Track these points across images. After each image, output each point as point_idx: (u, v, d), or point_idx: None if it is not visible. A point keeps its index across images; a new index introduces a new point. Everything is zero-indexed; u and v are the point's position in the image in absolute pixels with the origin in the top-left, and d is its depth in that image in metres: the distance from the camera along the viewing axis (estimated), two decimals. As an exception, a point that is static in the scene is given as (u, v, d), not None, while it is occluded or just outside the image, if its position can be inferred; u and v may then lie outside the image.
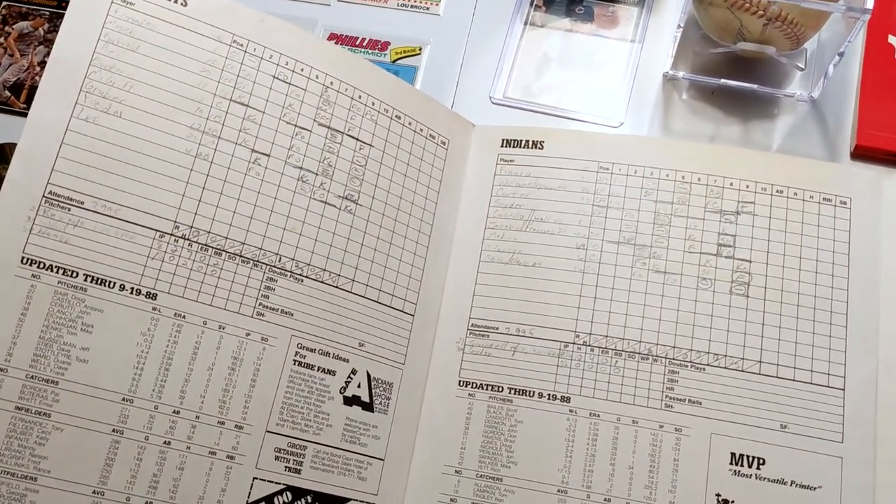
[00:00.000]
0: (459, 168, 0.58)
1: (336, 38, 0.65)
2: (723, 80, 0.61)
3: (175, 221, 0.47)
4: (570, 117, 0.62)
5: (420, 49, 0.64)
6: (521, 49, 0.65)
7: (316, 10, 0.66)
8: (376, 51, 0.65)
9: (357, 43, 0.65)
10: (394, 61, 0.64)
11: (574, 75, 0.64)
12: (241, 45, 0.50)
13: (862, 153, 0.59)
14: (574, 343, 0.54)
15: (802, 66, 0.61)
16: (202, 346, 0.47)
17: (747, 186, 0.55)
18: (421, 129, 0.56)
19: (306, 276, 0.50)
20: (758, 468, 0.50)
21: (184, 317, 0.47)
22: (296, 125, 0.51)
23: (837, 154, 0.60)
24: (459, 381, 0.54)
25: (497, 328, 0.55)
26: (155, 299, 0.46)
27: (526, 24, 0.66)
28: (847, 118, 0.61)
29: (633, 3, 0.66)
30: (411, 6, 0.66)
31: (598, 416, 0.52)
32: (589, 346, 0.53)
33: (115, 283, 0.45)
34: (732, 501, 0.49)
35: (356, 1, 0.67)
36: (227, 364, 0.47)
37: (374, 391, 0.51)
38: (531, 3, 0.66)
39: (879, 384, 0.51)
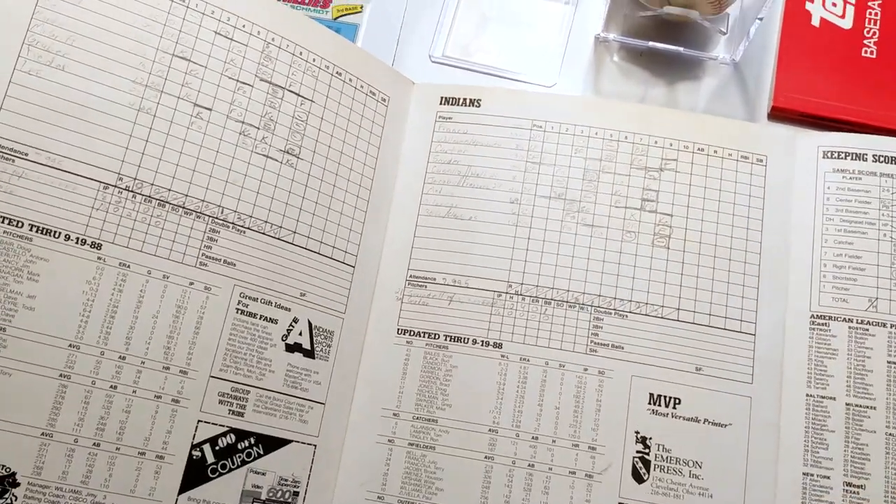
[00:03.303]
0: (399, 124, 0.60)
1: (277, -6, 0.66)
2: (651, 43, 0.63)
3: (119, 173, 0.48)
4: (506, 76, 0.64)
5: (361, 7, 0.65)
6: (461, 9, 0.66)
7: None
8: (318, 7, 0.65)
9: (298, 0, 0.66)
10: (335, 18, 0.65)
11: (511, 35, 0.66)
12: (183, 1, 0.51)
13: (778, 114, 0.62)
14: (507, 293, 0.56)
15: (725, 31, 0.64)
16: (147, 295, 0.48)
17: (671, 144, 0.58)
18: (361, 86, 0.58)
19: (248, 228, 0.51)
20: (674, 407, 0.53)
21: (128, 266, 0.48)
22: (237, 80, 0.52)
23: (756, 114, 0.63)
24: (398, 330, 0.56)
25: (434, 279, 0.57)
26: (100, 249, 0.47)
27: None
28: (766, 80, 0.63)
29: None
30: None
31: (528, 360, 0.55)
32: (520, 295, 0.56)
33: (60, 233, 0.47)
34: (650, 438, 0.53)
35: (299, -43, 0.68)
36: (172, 312, 0.49)
37: (315, 339, 0.53)
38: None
39: (786, 329, 0.55)
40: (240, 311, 0.51)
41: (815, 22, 0.64)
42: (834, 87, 0.62)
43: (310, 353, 0.53)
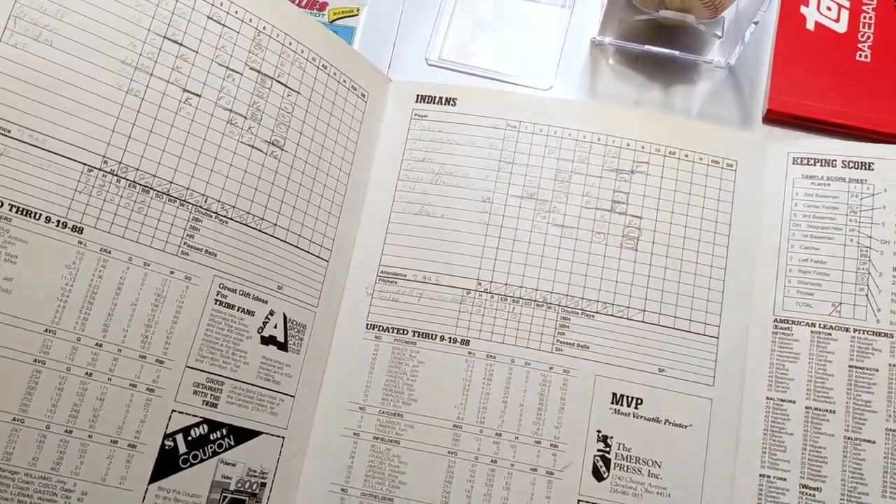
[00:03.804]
0: (376, 120, 0.60)
1: (274, -5, 0.65)
2: (646, 47, 0.64)
3: (104, 156, 0.47)
4: (502, 80, 0.65)
5: (358, 10, 0.65)
6: (457, 12, 0.67)
7: None
8: (315, 10, 0.65)
9: (296, 2, 0.65)
10: (332, 21, 0.65)
11: (507, 39, 0.66)
12: (178, -18, 0.50)
13: (773, 117, 0.63)
14: (476, 290, 0.58)
15: (720, 35, 0.65)
16: (126, 282, 0.48)
17: (643, 147, 0.60)
18: (344, 80, 0.58)
19: (231, 219, 0.51)
20: (636, 407, 0.56)
21: (109, 252, 0.47)
22: (228, 67, 0.51)
23: (751, 118, 0.64)
24: (367, 325, 0.57)
25: (405, 275, 0.58)
26: (81, 233, 0.46)
27: None
28: (761, 84, 0.64)
29: None
30: None
31: (494, 357, 0.56)
32: (489, 293, 0.58)
33: (40, 215, 0.45)
34: (611, 437, 0.55)
35: (296, -39, 0.67)
36: (151, 300, 0.48)
37: (289, 332, 0.53)
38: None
39: (750, 333, 0.57)
40: (218, 302, 0.50)
41: (810, 26, 0.65)
42: (828, 91, 0.63)
43: (283, 346, 0.53)
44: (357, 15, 0.65)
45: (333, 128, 0.57)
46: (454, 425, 0.55)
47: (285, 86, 0.54)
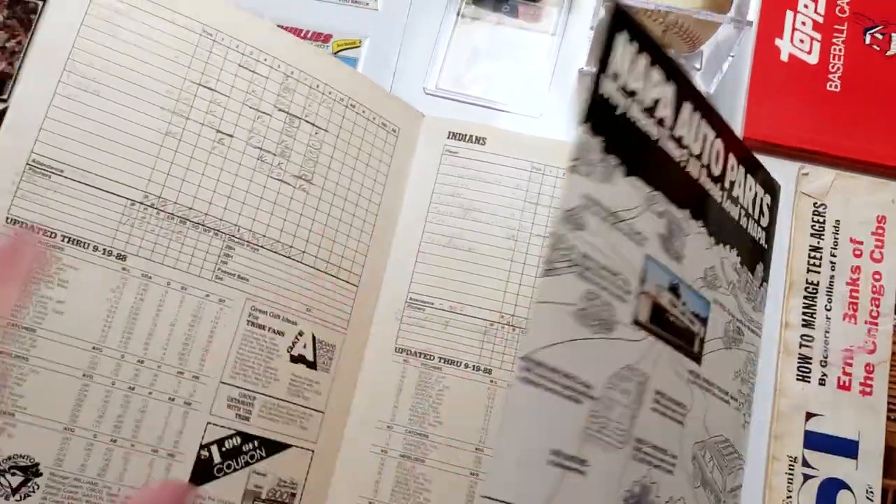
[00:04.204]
0: (408, 155, 0.64)
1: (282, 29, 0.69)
2: None
3: (145, 191, 0.53)
4: (496, 108, 0.68)
5: (360, 42, 0.69)
6: (453, 42, 0.70)
7: (263, 2, 0.69)
8: (319, 42, 0.69)
9: (302, 35, 0.69)
10: (336, 53, 0.69)
11: (500, 67, 0.69)
12: (211, 35, 0.55)
13: (749, 143, 0.66)
14: (499, 322, 0.60)
15: (699, 67, 0.68)
16: (165, 305, 0.52)
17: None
18: (374, 118, 0.62)
19: (262, 247, 0.56)
20: None
21: (150, 277, 0.52)
22: (258, 110, 0.57)
23: None
24: (396, 348, 0.60)
25: (433, 303, 0.61)
26: (125, 260, 0.52)
27: (458, 16, 0.70)
28: (739, 111, 0.67)
29: (554, 4, 0.71)
30: (352, 1, 0.71)
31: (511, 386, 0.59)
32: (511, 326, 0.60)
33: (89, 244, 0.51)
34: None
35: (300, -6, 0.71)
36: (188, 321, 0.53)
37: (318, 351, 0.57)
38: (462, -1, 0.72)
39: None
40: (250, 323, 0.55)
41: (784, 57, 0.68)
42: (801, 119, 0.66)
43: (312, 365, 0.57)
44: (359, 46, 0.69)
45: (363, 162, 0.61)
46: (476, 448, 0.58)
47: (313, 125, 0.58)
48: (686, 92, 0.51)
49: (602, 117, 0.47)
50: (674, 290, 0.53)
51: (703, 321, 0.56)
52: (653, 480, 0.51)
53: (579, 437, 0.48)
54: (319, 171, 0.58)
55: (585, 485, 0.48)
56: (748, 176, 0.59)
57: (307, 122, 0.58)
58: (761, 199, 0.61)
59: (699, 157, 0.53)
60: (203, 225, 0.54)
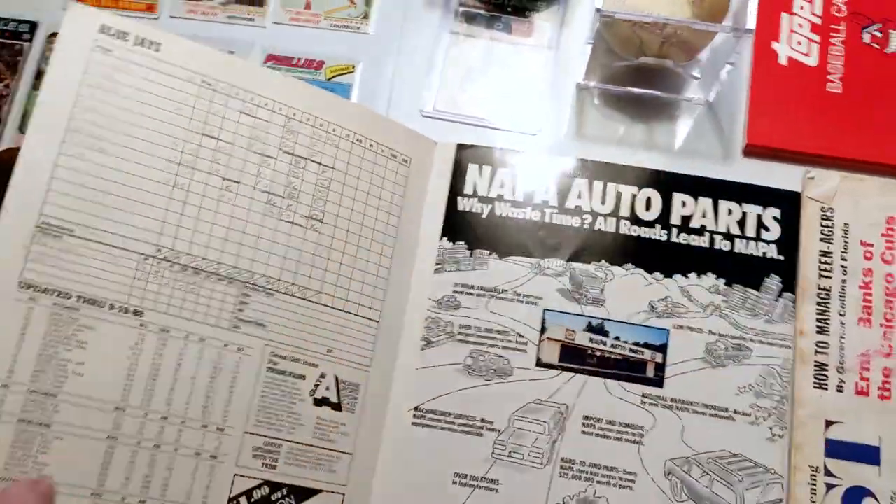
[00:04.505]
0: (422, 183, 0.63)
1: (274, 58, 0.69)
2: (629, 89, 0.67)
3: (157, 245, 0.52)
4: (494, 127, 0.67)
5: (353, 67, 0.69)
6: (448, 63, 0.69)
7: (253, 33, 0.70)
8: (312, 69, 0.69)
9: (294, 63, 0.69)
10: (329, 79, 0.68)
11: (496, 85, 0.69)
12: (210, 85, 0.55)
13: (752, 150, 0.65)
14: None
15: (697, 76, 0.68)
16: (185, 358, 0.52)
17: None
18: (382, 150, 0.61)
19: (276, 291, 0.55)
20: None
21: (168, 331, 0.52)
22: (262, 154, 0.56)
23: (732, 150, 0.66)
24: (418, 381, 0.60)
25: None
26: (142, 316, 0.51)
27: (451, 35, 0.70)
28: (740, 118, 0.67)
29: (546, 19, 0.71)
30: (343, 26, 0.70)
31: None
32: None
33: (105, 303, 0.50)
34: None
35: (290, 23, 0.71)
36: (208, 373, 0.52)
37: (341, 392, 0.56)
38: (455, 15, 0.71)
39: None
40: (270, 370, 0.54)
41: (783, 61, 0.67)
42: (804, 123, 0.65)
43: (337, 406, 0.56)
44: (353, 72, 0.69)
45: (374, 196, 0.60)
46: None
47: (319, 163, 0.58)
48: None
49: (460, 228, 0.61)
50: (596, 329, 0.60)
51: (660, 348, 0.59)
52: (598, 494, 0.56)
53: (487, 462, 0.57)
54: (330, 210, 0.58)
55: (499, 499, 0.56)
56: (729, 203, 0.63)
57: (313, 161, 0.58)
58: (759, 216, 0.62)
59: (614, 214, 0.62)
60: (217, 274, 0.53)
